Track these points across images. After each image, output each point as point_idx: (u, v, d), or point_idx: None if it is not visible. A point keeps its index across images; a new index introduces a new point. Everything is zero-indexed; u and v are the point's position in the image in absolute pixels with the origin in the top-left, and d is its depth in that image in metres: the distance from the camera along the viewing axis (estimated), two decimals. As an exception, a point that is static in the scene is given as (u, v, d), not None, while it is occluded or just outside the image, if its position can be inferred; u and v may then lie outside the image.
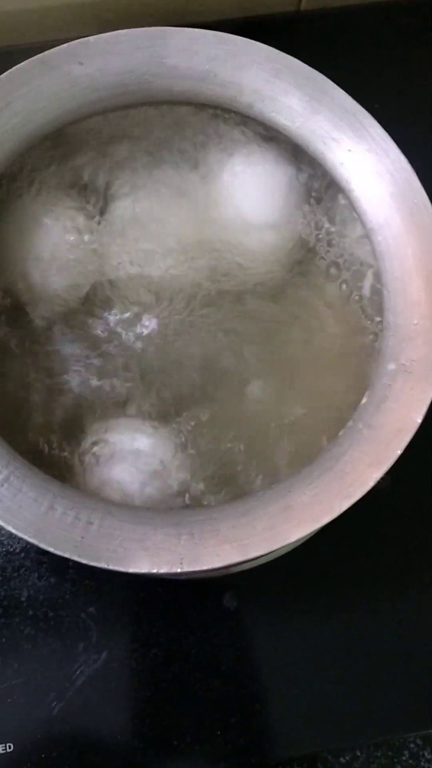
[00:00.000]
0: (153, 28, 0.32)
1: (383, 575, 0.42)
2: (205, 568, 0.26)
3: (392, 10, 0.54)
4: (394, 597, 0.42)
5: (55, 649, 0.41)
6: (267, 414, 0.34)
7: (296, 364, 0.35)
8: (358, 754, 0.52)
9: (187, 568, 0.26)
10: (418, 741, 0.53)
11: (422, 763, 0.52)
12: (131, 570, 0.26)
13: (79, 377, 0.35)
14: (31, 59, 0.32)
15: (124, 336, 0.36)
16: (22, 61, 0.31)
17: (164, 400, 0.35)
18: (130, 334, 0.36)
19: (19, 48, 0.46)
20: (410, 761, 0.52)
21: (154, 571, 0.26)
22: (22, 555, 0.42)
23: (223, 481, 0.33)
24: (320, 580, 0.42)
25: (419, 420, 0.28)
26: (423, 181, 0.31)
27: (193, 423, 0.35)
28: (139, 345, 0.35)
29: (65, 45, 0.32)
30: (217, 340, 0.36)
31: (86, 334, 0.36)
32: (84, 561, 0.26)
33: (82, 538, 0.27)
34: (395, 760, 0.53)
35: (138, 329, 0.36)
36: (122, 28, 0.50)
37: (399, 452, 0.28)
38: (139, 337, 0.36)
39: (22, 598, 0.41)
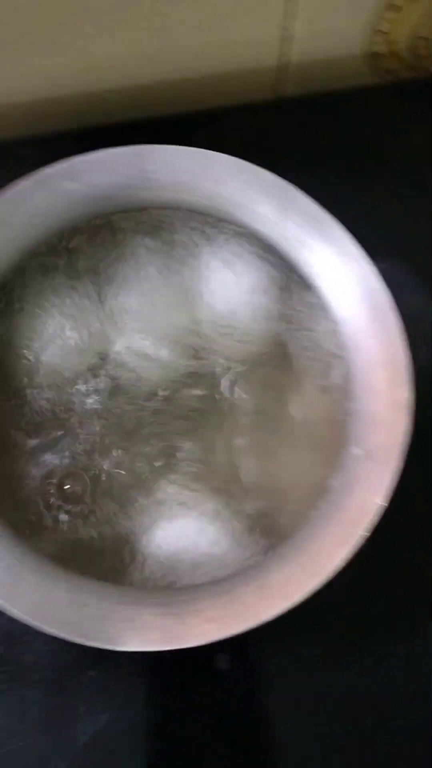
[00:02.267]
0: (139, 147, 0.36)
1: (378, 631, 0.43)
2: (189, 646, 0.29)
3: (372, 94, 0.56)
4: (391, 653, 0.43)
5: (59, 711, 0.43)
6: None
7: (273, 442, 0.38)
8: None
9: (173, 646, 0.29)
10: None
11: None
12: (121, 648, 0.29)
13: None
14: (27, 178, 0.35)
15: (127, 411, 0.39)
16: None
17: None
18: (131, 407, 0.39)
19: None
20: None
21: (143, 649, 0.29)
22: (26, 620, 0.44)
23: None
24: (312, 638, 0.43)
25: (381, 503, 0.31)
26: (388, 280, 0.34)
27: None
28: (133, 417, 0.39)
29: (59, 164, 0.35)
30: (202, 418, 0.39)
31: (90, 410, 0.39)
32: (80, 641, 0.29)
33: (79, 619, 0.30)
34: None
35: (136, 405, 0.39)
36: (113, 116, 0.54)
37: (363, 533, 0.31)
38: (138, 411, 0.39)
39: (27, 663, 0.43)
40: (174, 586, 0.33)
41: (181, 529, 0.36)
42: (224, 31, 0.51)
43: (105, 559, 0.35)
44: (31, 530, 0.35)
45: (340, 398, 0.36)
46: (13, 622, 0.44)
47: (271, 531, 0.35)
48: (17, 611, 0.29)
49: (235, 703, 0.43)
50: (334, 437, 0.34)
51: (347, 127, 0.53)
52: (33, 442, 0.38)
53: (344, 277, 0.35)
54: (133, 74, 0.52)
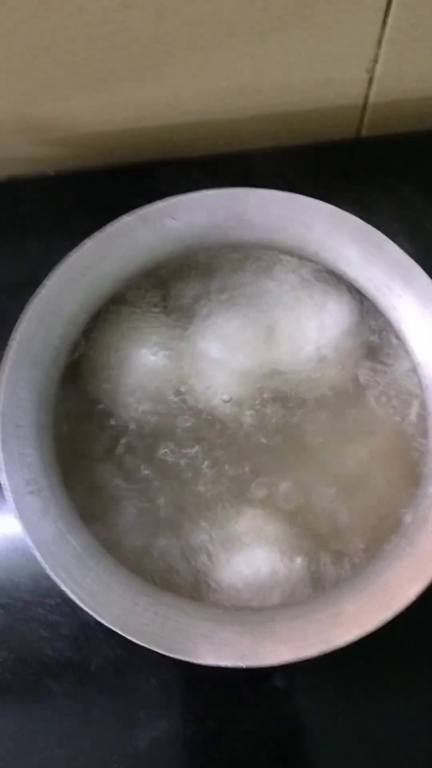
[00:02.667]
0: (234, 189, 0.38)
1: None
2: (263, 665, 0.31)
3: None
4: None
5: (121, 715, 0.45)
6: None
7: (348, 477, 0.39)
8: None
9: (247, 664, 0.31)
10: None
11: None
12: (199, 662, 0.31)
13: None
14: (132, 214, 0.38)
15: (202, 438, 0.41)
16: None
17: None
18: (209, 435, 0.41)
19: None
20: None
21: (219, 664, 0.31)
22: (95, 626, 0.46)
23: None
24: (371, 664, 0.44)
25: (455, 541, 0.32)
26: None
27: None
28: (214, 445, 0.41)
29: (160, 202, 0.38)
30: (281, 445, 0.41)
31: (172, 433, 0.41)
32: (161, 651, 0.31)
33: (161, 631, 0.32)
34: None
35: (215, 433, 0.41)
36: (199, 149, 0.57)
37: (437, 570, 0.32)
38: (216, 438, 0.41)
39: (93, 667, 0.45)
40: (249, 607, 0.35)
41: (252, 557, 0.37)
42: (312, 72, 0.52)
43: (184, 580, 0.37)
44: (117, 543, 0.37)
45: (416, 436, 0.37)
46: (81, 627, 0.46)
47: (341, 562, 0.37)
48: (105, 620, 0.32)
49: (292, 722, 0.44)
50: (409, 474, 0.36)
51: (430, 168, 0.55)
52: (112, 465, 0.40)
53: (425, 321, 0.36)
54: (220, 109, 0.55)
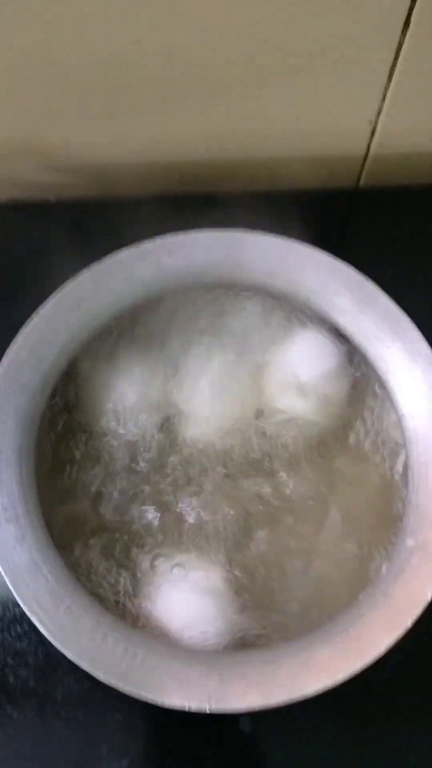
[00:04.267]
0: (232, 232, 0.39)
1: (402, 716, 0.44)
2: (229, 708, 0.30)
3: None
4: (412, 739, 0.43)
5: (83, 748, 0.44)
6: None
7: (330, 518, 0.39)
8: None
9: (214, 707, 0.31)
10: None
11: None
12: (166, 703, 0.31)
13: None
14: (129, 249, 0.38)
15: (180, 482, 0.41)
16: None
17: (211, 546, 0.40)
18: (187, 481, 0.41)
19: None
20: None
21: (185, 706, 0.30)
22: (60, 656, 0.46)
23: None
24: (337, 710, 0.43)
25: (430, 595, 0.32)
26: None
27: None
28: (193, 490, 0.41)
29: (159, 238, 0.38)
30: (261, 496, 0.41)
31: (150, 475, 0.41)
32: (127, 690, 0.31)
33: (128, 669, 0.31)
34: None
35: (194, 479, 0.41)
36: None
37: (410, 622, 0.32)
38: (193, 485, 0.41)
39: (58, 698, 0.45)
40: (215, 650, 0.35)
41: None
42: (317, 120, 0.54)
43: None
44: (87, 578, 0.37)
45: (399, 488, 0.37)
46: (47, 657, 0.46)
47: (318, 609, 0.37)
48: (72, 655, 0.31)
49: (252, 766, 0.44)
50: (388, 525, 0.36)
51: (428, 222, 0.56)
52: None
53: (411, 374, 0.37)
54: (225, 149, 0.56)
